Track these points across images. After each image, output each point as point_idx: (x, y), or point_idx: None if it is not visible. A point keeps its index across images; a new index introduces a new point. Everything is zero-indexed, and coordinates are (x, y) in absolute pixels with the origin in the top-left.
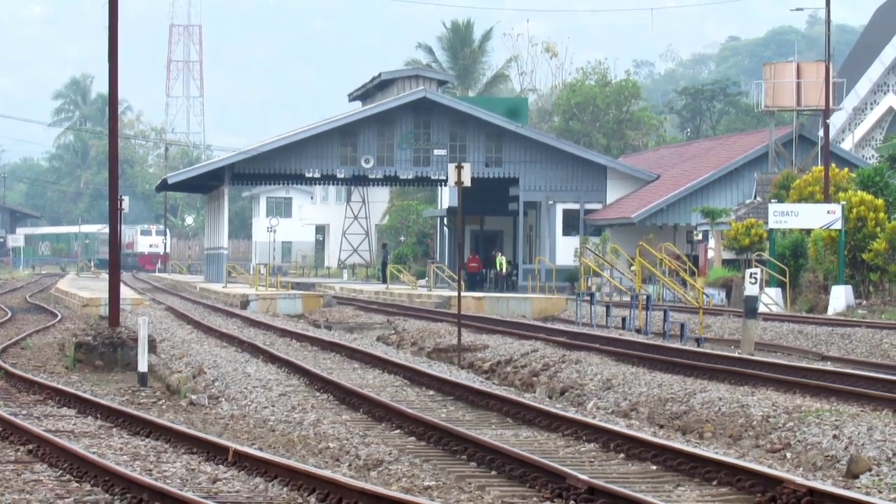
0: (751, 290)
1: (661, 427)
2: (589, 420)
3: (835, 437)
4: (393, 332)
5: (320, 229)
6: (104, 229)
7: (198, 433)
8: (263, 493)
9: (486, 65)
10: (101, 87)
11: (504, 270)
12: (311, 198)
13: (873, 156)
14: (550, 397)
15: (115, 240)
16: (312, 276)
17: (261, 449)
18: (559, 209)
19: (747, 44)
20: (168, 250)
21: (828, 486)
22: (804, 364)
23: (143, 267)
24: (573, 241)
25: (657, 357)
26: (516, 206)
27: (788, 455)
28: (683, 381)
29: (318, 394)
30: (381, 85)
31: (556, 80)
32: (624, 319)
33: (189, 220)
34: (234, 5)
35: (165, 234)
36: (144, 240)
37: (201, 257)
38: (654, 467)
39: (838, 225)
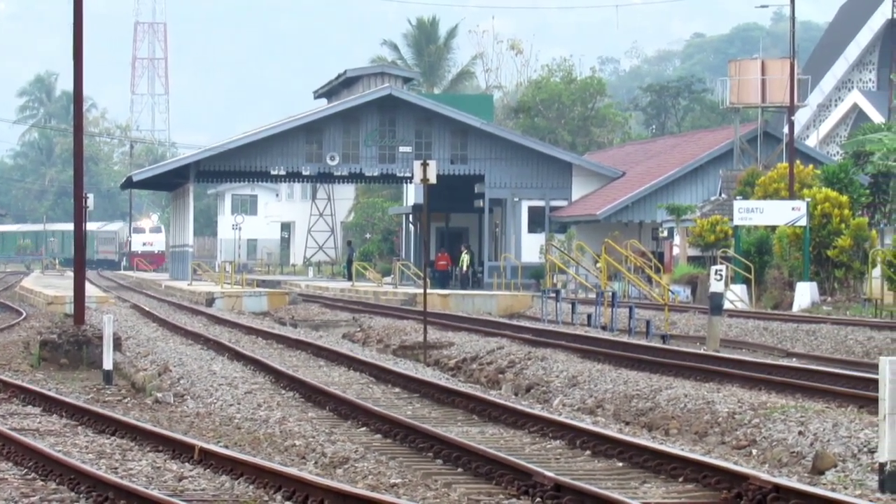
0: (716, 286)
1: (627, 424)
2: (555, 417)
3: (800, 433)
4: (359, 329)
5: (286, 227)
6: (104, 227)
7: (163, 431)
8: (229, 490)
9: (452, 62)
10: (65, 84)
11: (464, 267)
12: (277, 195)
13: (838, 152)
14: (516, 394)
15: (80, 238)
16: (278, 274)
17: (226, 447)
18: (525, 206)
19: (712, 41)
20: (164, 248)
21: (793, 483)
22: (769, 361)
23: (136, 267)
24: (539, 239)
25: (623, 354)
26: (482, 203)
27: (754, 451)
28: (649, 378)
29: (283, 391)
30: (346, 82)
31: (522, 78)
32: (589, 316)
33: (154, 217)
34: (200, 3)
35: (161, 230)
36: (137, 238)
37: (166, 255)
38: (620, 464)
39: (803, 222)
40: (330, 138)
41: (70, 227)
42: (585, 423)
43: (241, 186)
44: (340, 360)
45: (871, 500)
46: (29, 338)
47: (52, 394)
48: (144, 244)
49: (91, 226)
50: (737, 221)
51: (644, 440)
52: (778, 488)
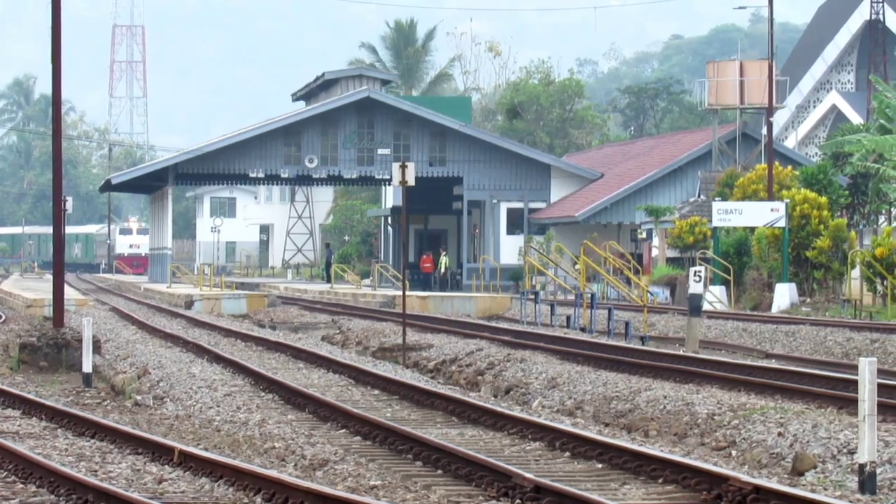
0: (695, 288)
1: (607, 425)
2: (534, 419)
3: (780, 434)
4: (338, 331)
5: (264, 229)
6: (102, 230)
7: (143, 434)
8: (209, 493)
9: (430, 64)
10: (44, 87)
11: (442, 269)
12: (255, 198)
13: (816, 153)
14: (495, 396)
15: (59, 240)
16: (257, 276)
17: (206, 449)
18: (503, 208)
19: (690, 42)
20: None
21: (773, 484)
22: (749, 362)
23: (122, 270)
24: (517, 240)
25: (602, 355)
26: (460, 205)
27: (734, 453)
28: (628, 380)
29: (263, 394)
30: (324, 85)
31: (500, 79)
32: (568, 318)
33: (132, 220)
34: (177, 6)
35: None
36: (124, 239)
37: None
38: (600, 466)
39: (782, 223)
40: (308, 141)
41: (66, 230)
42: (565, 425)
43: (220, 189)
44: (320, 363)
45: (850, 502)
46: (8, 341)
47: (31, 396)
48: (131, 246)
49: (90, 228)
50: (716, 223)
51: (624, 442)
52: (758, 489)
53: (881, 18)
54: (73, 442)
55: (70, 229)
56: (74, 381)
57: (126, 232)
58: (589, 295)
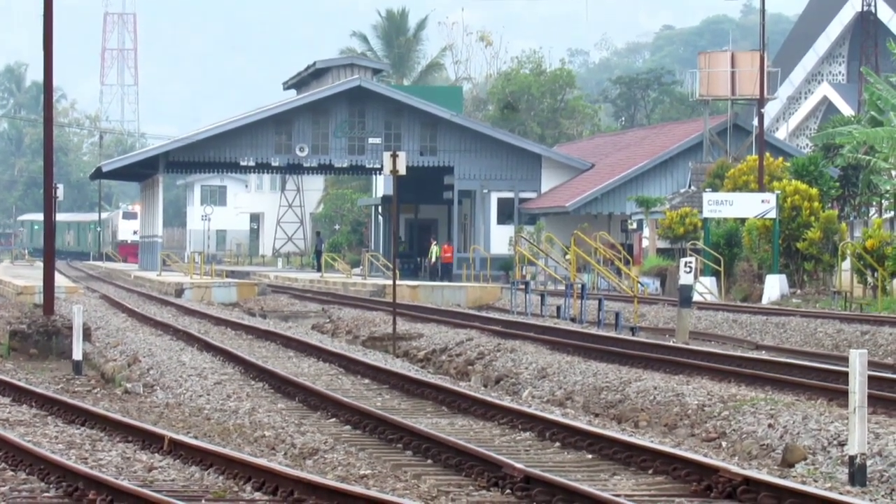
0: (685, 279)
1: (597, 416)
2: (524, 409)
3: (770, 425)
4: (328, 320)
5: (255, 218)
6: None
7: (133, 421)
8: (199, 481)
9: (421, 53)
10: (35, 74)
11: (433, 259)
12: (246, 186)
13: (808, 145)
14: (486, 386)
15: (49, 227)
16: (247, 265)
17: (196, 437)
18: (494, 198)
19: (682, 33)
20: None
21: (763, 475)
22: (739, 353)
23: (125, 258)
24: (508, 230)
25: (592, 346)
26: (451, 194)
27: (724, 444)
28: (618, 370)
29: (253, 382)
30: (315, 73)
31: (491, 69)
32: (559, 308)
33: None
34: None
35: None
36: (127, 225)
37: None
38: (590, 456)
39: (773, 214)
40: (299, 129)
41: (71, 217)
42: (555, 415)
43: (211, 177)
44: (310, 351)
45: (841, 493)
46: None
47: (21, 384)
48: (135, 232)
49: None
50: (706, 214)
51: (614, 432)
52: (748, 481)
53: (873, 10)
54: (64, 429)
55: (89, 217)
56: (64, 369)
57: (130, 216)
58: (579, 285)
